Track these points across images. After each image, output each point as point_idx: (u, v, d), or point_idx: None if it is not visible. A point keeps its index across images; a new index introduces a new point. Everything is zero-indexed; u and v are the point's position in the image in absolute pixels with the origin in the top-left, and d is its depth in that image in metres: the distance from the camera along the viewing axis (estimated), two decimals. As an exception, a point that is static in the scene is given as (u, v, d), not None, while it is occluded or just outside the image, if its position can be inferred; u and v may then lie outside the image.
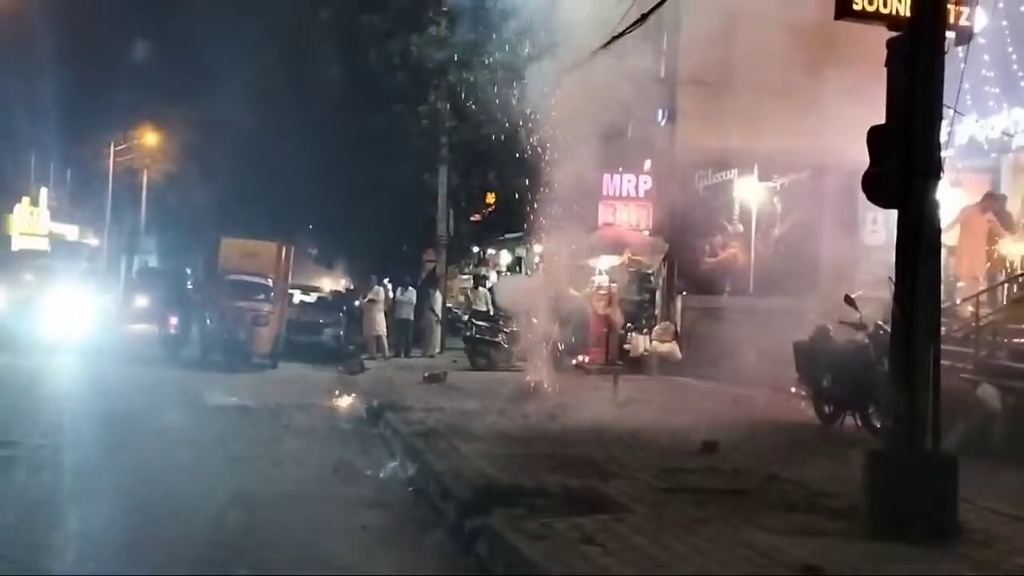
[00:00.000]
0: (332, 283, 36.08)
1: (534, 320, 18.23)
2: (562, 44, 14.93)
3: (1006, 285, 12.42)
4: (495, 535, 6.58)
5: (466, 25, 22.49)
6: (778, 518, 7.09)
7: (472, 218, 29.21)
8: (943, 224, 7.77)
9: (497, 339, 20.24)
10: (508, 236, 29.70)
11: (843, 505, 7.35)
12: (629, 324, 19.88)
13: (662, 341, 19.26)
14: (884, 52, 7.20)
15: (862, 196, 7.29)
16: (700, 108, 18.78)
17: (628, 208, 20.43)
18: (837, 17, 8.66)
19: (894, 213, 7.20)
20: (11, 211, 37.30)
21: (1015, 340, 11.43)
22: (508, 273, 30.65)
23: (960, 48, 9.36)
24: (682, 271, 20.15)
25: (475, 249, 33.27)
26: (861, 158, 7.13)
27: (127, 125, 46.32)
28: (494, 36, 19.70)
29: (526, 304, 17.13)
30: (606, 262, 19.77)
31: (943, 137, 7.56)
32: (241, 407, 13.61)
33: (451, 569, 6.54)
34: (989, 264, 12.88)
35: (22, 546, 6.42)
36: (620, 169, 20.56)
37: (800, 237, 17.23)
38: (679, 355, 18.99)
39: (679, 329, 19.56)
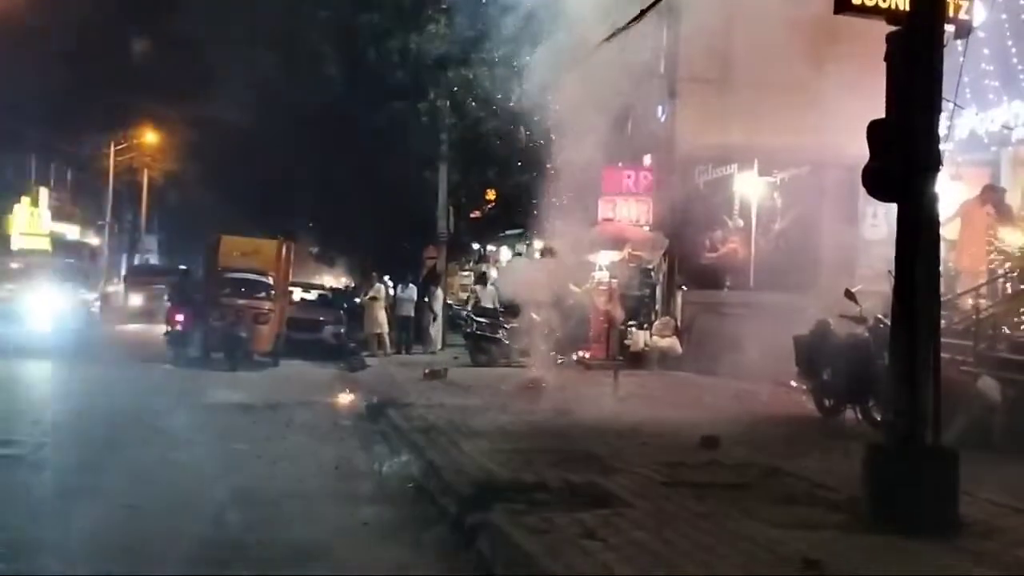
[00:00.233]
0: (333, 280, 36.10)
1: (535, 316, 18.25)
2: (561, 40, 14.93)
3: (1006, 277, 12.40)
4: (496, 530, 6.59)
5: (465, 22, 22.50)
6: (779, 512, 7.10)
7: (472, 215, 29.19)
8: (943, 217, 7.78)
9: (498, 335, 20.24)
10: (509, 233, 29.69)
11: (844, 498, 7.35)
12: (630, 319, 19.89)
13: (662, 336, 19.25)
14: (883, 46, 7.19)
15: (862, 190, 7.28)
16: (700, 103, 18.76)
17: (628, 203, 20.41)
18: (837, 11, 8.66)
19: (894, 207, 7.20)
20: (11, 212, 37.29)
21: (1015, 333, 11.44)
22: (515, 257, 30.56)
23: (959, 42, 9.38)
24: (682, 266, 20.14)
25: (475, 246, 33.27)
26: (861, 152, 7.12)
27: (127, 124, 46.32)
28: (493, 33, 19.70)
29: (532, 289, 17.14)
30: (606, 257, 19.75)
31: (943, 131, 7.56)
32: (242, 405, 13.60)
33: (452, 565, 6.54)
34: (990, 257, 12.87)
35: (21, 545, 6.44)
36: (620, 164, 20.55)
37: (800, 232, 17.26)
38: (679, 350, 19.00)
39: (679, 324, 19.55)
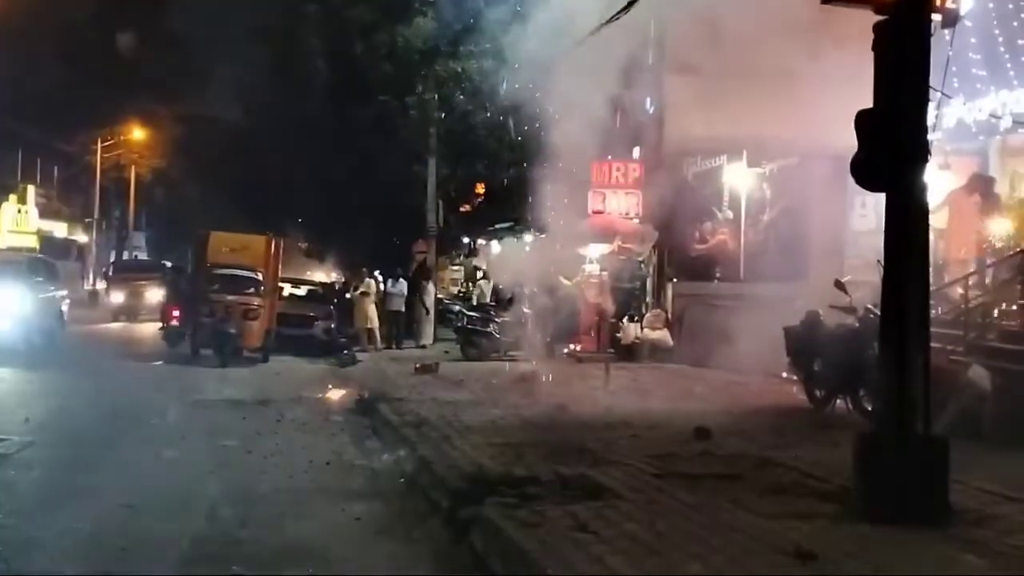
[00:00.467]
0: (323, 276, 36.00)
1: (525, 310, 18.24)
2: (549, 32, 14.89)
3: (994, 266, 12.44)
4: (488, 524, 6.59)
5: (452, 15, 22.46)
6: (771, 502, 7.11)
7: (462, 209, 29.18)
8: (931, 207, 7.79)
9: (489, 329, 20.23)
10: (498, 226, 29.68)
11: (835, 488, 7.37)
12: (621, 312, 19.90)
13: (653, 328, 19.28)
14: (871, 36, 7.19)
15: (851, 181, 7.28)
16: (688, 95, 18.72)
17: (618, 196, 20.38)
18: (824, 1, 8.65)
19: (883, 197, 7.21)
20: (-2, 209, 36.99)
21: (1004, 321, 11.48)
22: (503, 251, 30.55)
23: (947, 31, 9.38)
24: (672, 258, 20.16)
25: (465, 240, 33.25)
26: (850, 143, 7.12)
27: (114, 121, 46.10)
28: (481, 25, 19.67)
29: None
30: (596, 250, 19.74)
31: (931, 120, 7.57)
32: (232, 401, 13.57)
33: (445, 559, 6.53)
34: (980, 246, 12.92)
35: (16, 543, 6.40)
36: (609, 157, 20.54)
37: (790, 223, 17.26)
38: (670, 342, 19.02)
39: (670, 316, 19.58)
